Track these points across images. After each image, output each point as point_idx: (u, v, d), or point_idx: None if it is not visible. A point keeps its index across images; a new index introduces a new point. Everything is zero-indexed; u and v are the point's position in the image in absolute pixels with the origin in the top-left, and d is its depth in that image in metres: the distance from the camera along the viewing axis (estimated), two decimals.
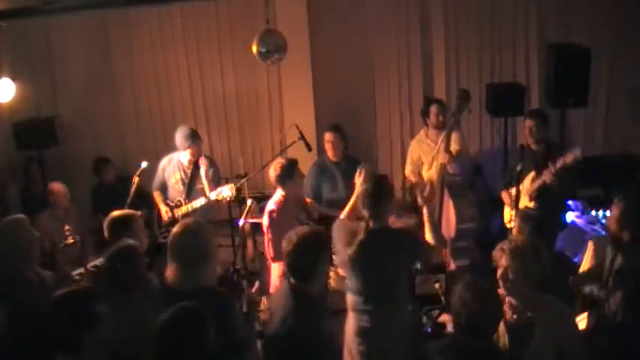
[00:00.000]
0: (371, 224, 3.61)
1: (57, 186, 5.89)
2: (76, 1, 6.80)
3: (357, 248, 3.58)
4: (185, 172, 5.60)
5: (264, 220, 4.66)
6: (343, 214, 4.15)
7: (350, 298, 3.74)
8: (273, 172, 4.64)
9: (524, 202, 5.09)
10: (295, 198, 4.78)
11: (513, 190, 5.08)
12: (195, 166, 5.55)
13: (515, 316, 2.99)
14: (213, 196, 5.32)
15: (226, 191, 5.27)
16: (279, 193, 4.70)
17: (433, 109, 5.81)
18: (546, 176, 4.83)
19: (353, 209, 4.08)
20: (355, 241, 3.59)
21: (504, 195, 5.25)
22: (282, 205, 4.62)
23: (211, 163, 5.66)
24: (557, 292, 3.43)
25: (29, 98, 7.15)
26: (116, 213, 3.97)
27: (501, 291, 3.03)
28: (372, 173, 4.05)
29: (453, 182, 5.41)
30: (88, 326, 2.48)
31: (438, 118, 5.76)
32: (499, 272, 3.02)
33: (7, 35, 6.93)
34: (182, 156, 5.59)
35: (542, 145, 5.12)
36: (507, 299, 3.03)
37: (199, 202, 5.42)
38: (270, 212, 4.60)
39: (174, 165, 5.63)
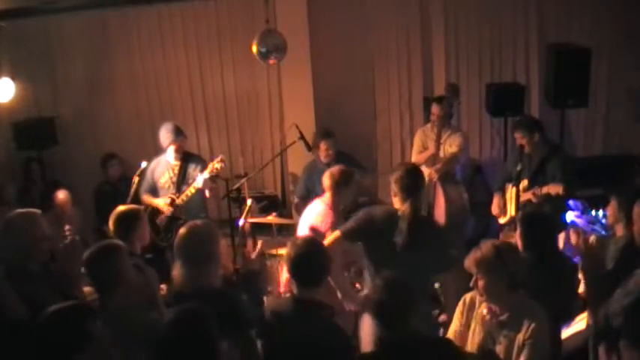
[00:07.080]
0: (409, 211, 3.55)
1: (62, 195, 5.84)
2: (76, 1, 6.82)
3: (404, 235, 3.53)
4: (174, 171, 5.56)
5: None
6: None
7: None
8: (329, 179, 4.49)
9: (511, 211, 5.27)
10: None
11: (508, 189, 5.29)
12: (183, 164, 5.53)
13: (494, 320, 3.06)
14: (206, 174, 5.24)
15: (217, 163, 5.22)
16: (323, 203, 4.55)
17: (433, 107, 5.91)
18: (530, 196, 5.04)
19: None
20: (400, 229, 3.55)
21: (496, 197, 5.57)
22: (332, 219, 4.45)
23: (198, 161, 5.64)
24: (557, 292, 3.45)
25: (29, 98, 7.18)
26: (122, 208, 3.98)
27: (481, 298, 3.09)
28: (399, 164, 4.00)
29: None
30: (77, 347, 2.41)
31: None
32: (472, 280, 3.07)
33: (7, 35, 6.96)
34: (169, 155, 5.57)
35: (543, 151, 5.23)
36: (487, 305, 3.09)
37: (197, 184, 5.30)
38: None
39: (162, 165, 5.60)
